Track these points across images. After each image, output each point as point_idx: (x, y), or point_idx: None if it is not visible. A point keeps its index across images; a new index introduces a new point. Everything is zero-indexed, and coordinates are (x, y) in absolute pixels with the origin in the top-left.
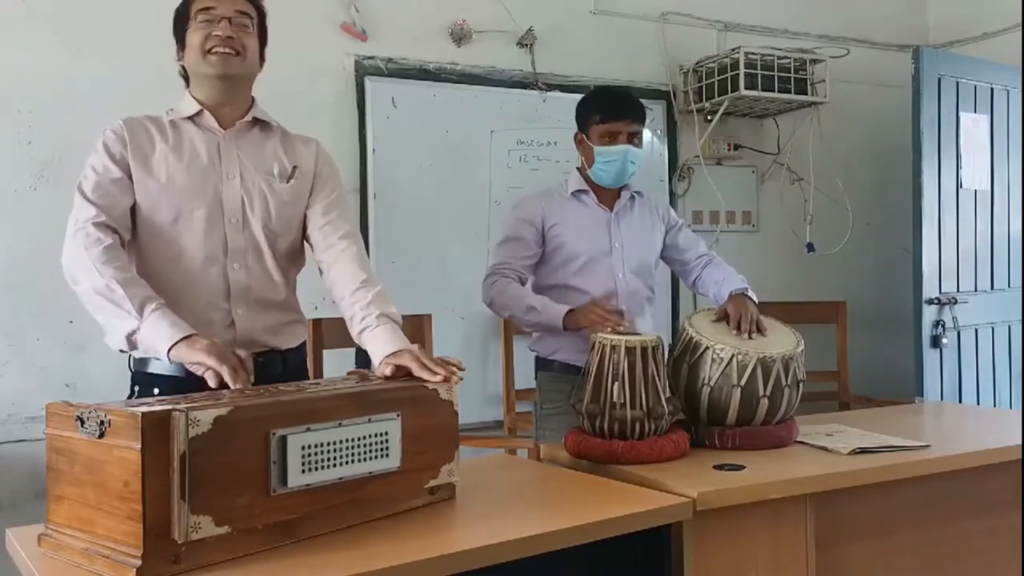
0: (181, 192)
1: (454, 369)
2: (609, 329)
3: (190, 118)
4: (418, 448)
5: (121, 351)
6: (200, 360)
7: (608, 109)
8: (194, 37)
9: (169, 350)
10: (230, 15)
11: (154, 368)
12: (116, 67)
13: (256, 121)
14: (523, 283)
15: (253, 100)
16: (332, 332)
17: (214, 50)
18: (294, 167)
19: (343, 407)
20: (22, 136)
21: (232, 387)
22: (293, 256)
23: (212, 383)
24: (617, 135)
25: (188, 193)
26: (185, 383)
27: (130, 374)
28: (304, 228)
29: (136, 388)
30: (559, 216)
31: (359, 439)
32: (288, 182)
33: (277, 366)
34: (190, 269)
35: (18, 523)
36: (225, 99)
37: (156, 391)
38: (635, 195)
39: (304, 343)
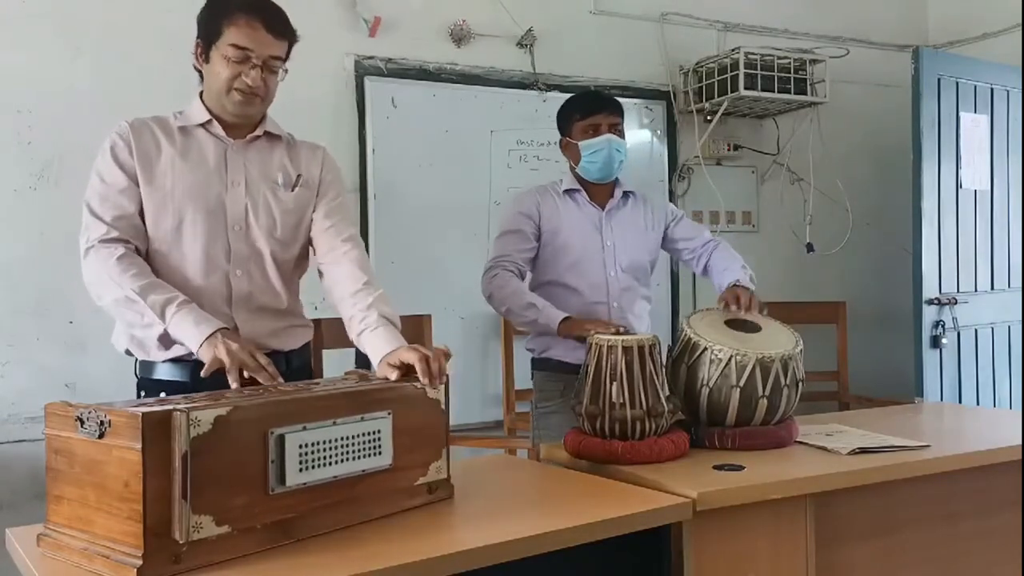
0: (184, 197)
1: (441, 372)
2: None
3: (200, 125)
4: (408, 446)
5: (127, 352)
6: (209, 363)
7: (586, 105)
8: (222, 68)
9: (197, 352)
10: (264, 60)
11: (159, 374)
12: (116, 67)
13: (265, 133)
14: (523, 276)
15: (265, 114)
16: (332, 332)
17: (239, 91)
18: (298, 175)
19: (337, 406)
20: (22, 136)
21: (233, 387)
22: (298, 263)
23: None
24: (599, 127)
25: (191, 198)
26: (189, 388)
27: (136, 379)
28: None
29: (142, 394)
30: (552, 212)
31: (353, 437)
32: (292, 190)
33: (281, 366)
34: (193, 274)
35: (18, 523)
36: (237, 122)
37: (162, 395)
38: (628, 194)
39: (308, 344)
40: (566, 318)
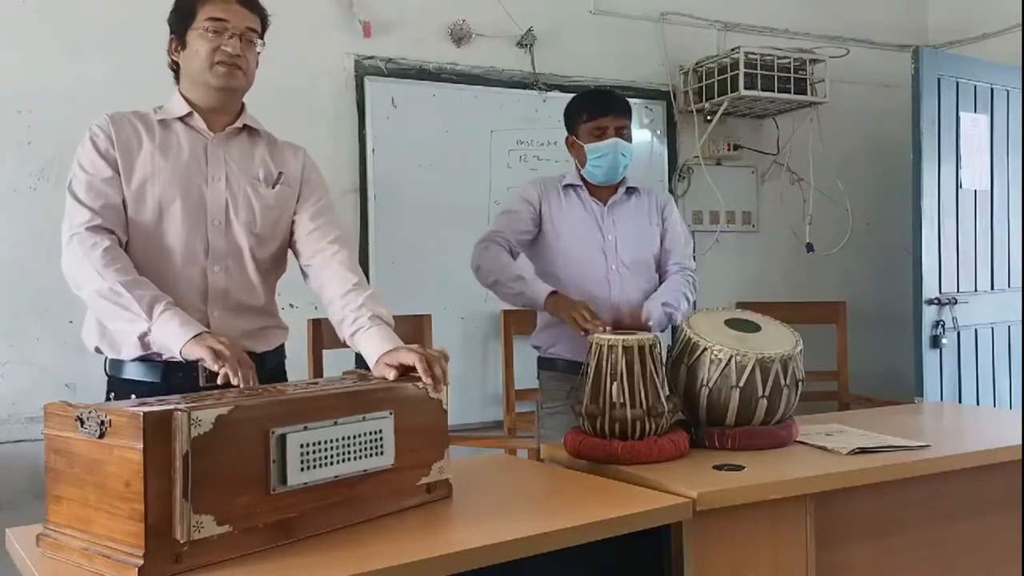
0: (164, 190)
1: (443, 374)
2: (601, 330)
3: (180, 118)
4: (410, 446)
5: (97, 350)
6: (201, 358)
7: (593, 106)
8: (201, 45)
9: (181, 349)
10: (241, 31)
11: (128, 373)
12: (116, 67)
13: (245, 127)
14: (514, 256)
15: (243, 106)
16: (332, 332)
17: (221, 64)
18: (280, 173)
19: (339, 405)
20: (22, 136)
21: (233, 384)
22: (276, 262)
23: (220, 380)
24: (605, 130)
25: (170, 191)
26: (161, 388)
27: (106, 378)
28: (291, 235)
29: (112, 394)
30: (553, 205)
31: (354, 437)
32: (273, 187)
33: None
34: (170, 268)
35: (18, 523)
36: (219, 106)
37: (133, 397)
38: (631, 189)
39: (282, 346)
40: (553, 292)
